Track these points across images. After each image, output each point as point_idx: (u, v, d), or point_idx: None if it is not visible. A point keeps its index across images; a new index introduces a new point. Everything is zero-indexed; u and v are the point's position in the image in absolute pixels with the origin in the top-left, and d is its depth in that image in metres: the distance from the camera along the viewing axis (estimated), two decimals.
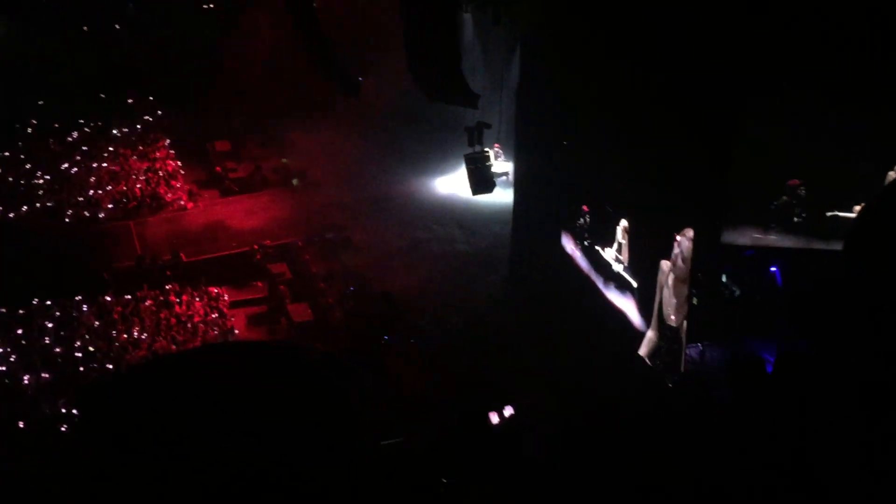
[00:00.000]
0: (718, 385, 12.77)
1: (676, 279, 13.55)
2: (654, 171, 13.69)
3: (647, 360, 14.43)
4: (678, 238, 13.38)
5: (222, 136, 25.62)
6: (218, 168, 24.60)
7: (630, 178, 14.60)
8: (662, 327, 14.15)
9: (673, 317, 13.76)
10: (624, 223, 15.09)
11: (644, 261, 14.60)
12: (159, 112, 25.90)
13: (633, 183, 14.55)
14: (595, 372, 14.87)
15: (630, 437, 12.21)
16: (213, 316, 18.92)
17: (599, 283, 16.18)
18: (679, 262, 13.39)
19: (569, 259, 17.26)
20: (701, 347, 13.78)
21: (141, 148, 24.73)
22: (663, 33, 12.68)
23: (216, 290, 19.78)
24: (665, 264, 13.81)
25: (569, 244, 17.30)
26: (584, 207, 16.46)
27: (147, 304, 19.04)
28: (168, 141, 25.17)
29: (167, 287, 19.60)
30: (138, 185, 23.00)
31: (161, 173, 23.65)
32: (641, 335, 14.79)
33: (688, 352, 13.75)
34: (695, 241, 13.14)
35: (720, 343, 13.78)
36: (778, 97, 12.73)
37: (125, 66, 25.88)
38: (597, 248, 16.14)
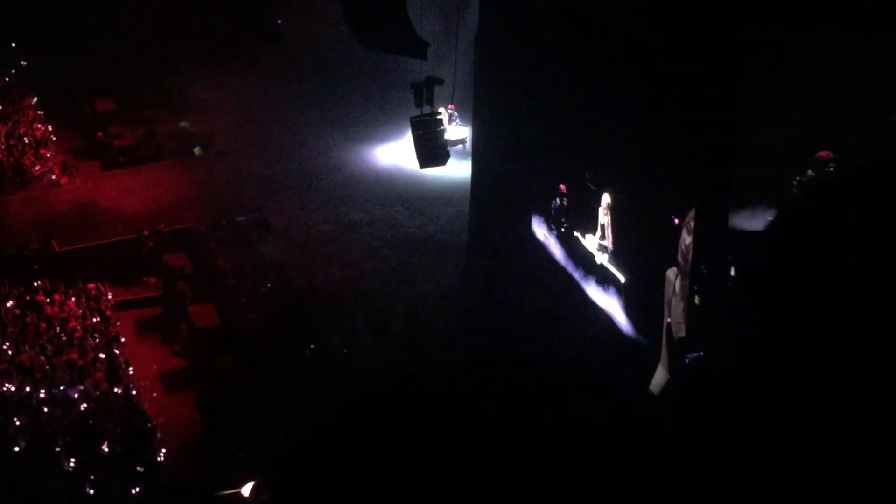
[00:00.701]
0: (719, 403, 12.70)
1: (684, 275, 13.45)
2: (644, 135, 13.50)
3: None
4: (685, 225, 13.30)
5: (105, 91, 25.25)
6: (100, 133, 24.25)
7: (614, 142, 14.38)
8: (673, 353, 14.06)
9: (681, 321, 13.67)
10: (607, 199, 14.93)
11: (633, 246, 14.37)
12: (23, 62, 25.54)
13: (619, 149, 14.35)
14: (571, 387, 14.75)
15: (614, 463, 12.16)
16: (94, 320, 18.48)
17: (579, 278, 15.95)
18: (690, 256, 13.30)
19: (541, 249, 17.02)
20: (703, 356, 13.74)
21: (0, 108, 24.29)
22: None
23: (97, 288, 19.36)
24: (671, 273, 13.67)
25: (541, 230, 17.07)
26: (562, 187, 16.23)
27: (9, 305, 18.58)
28: (35, 98, 24.71)
29: (35, 284, 19.15)
30: (2, 146, 22.66)
31: (27, 140, 23.18)
32: (629, 341, 14.59)
33: (688, 361, 13.69)
34: (697, 224, 12.98)
35: (727, 350, 13.71)
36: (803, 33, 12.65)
37: None
38: (576, 234, 15.87)
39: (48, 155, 23.03)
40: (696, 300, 13.33)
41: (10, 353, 17.37)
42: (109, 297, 19.36)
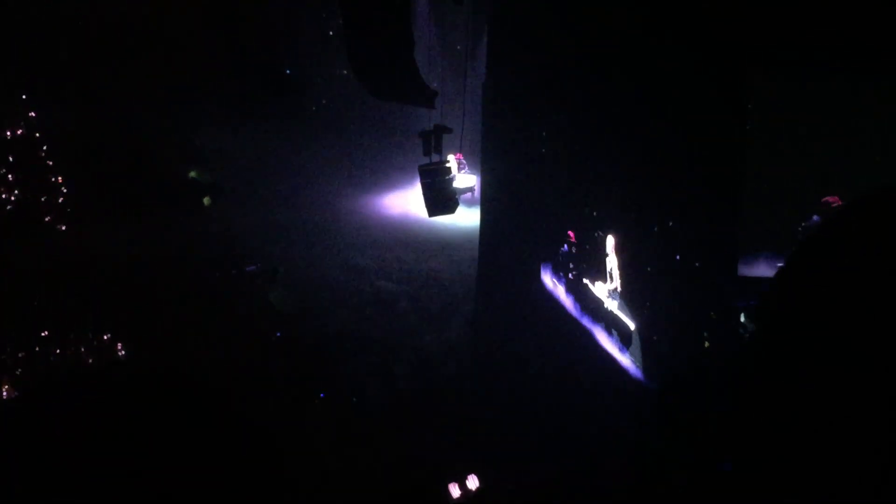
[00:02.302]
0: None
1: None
2: (651, 179, 13.66)
3: None
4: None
5: (115, 140, 25.21)
6: (110, 181, 24.18)
7: (620, 187, 14.53)
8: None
9: None
10: (612, 242, 14.96)
11: (640, 291, 14.39)
12: (32, 114, 25.65)
13: (624, 193, 14.49)
14: (583, 440, 14.78)
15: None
16: (107, 377, 18.45)
17: (588, 325, 15.93)
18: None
19: (549, 296, 17.04)
20: None
21: (11, 158, 24.35)
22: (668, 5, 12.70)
23: (105, 338, 19.45)
24: None
25: (550, 277, 17.11)
26: (570, 234, 16.34)
27: (19, 356, 18.66)
28: (45, 147, 24.79)
29: (42, 334, 19.22)
30: (11, 196, 22.78)
31: (37, 190, 23.30)
32: (640, 388, 14.55)
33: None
34: (704, 269, 13.08)
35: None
36: (806, 77, 12.71)
37: None
38: (585, 281, 15.92)
39: (59, 202, 23.20)
40: (706, 345, 13.36)
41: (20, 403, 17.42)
42: (119, 347, 19.43)
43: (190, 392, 18.02)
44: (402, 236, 22.84)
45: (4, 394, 17.67)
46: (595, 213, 15.46)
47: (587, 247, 15.81)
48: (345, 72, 22.33)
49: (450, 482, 14.13)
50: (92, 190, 24.22)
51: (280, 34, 23.33)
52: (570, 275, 16.44)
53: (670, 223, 13.45)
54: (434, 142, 16.68)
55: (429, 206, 16.76)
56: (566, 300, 16.66)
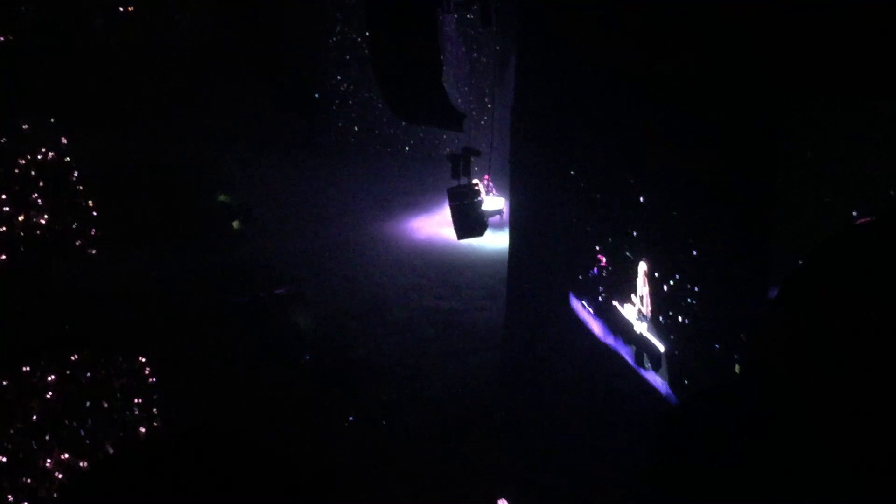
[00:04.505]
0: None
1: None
2: (680, 204, 13.59)
3: None
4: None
5: (145, 165, 25.56)
6: (139, 207, 24.64)
7: (650, 211, 14.49)
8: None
9: None
10: (644, 267, 15.03)
11: (671, 315, 14.28)
12: (64, 140, 25.96)
13: (654, 218, 14.43)
14: (615, 465, 14.76)
15: None
16: (137, 401, 18.77)
17: (618, 347, 15.86)
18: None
19: (578, 319, 17.06)
20: None
21: (42, 183, 24.62)
22: (699, 28, 12.71)
23: (140, 360, 19.58)
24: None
25: (579, 300, 17.16)
26: (601, 258, 16.41)
27: (49, 379, 18.75)
28: (76, 173, 25.09)
29: (73, 357, 19.36)
30: (41, 221, 23.04)
31: (66, 211, 23.71)
32: (675, 415, 14.48)
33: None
34: (734, 295, 13.01)
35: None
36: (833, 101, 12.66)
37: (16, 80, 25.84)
38: (614, 303, 15.94)
39: (89, 226, 23.54)
40: (737, 369, 13.28)
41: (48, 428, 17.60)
42: (147, 372, 19.56)
43: (217, 416, 18.19)
44: (431, 259, 22.88)
45: (34, 417, 17.75)
46: (626, 237, 15.46)
47: (618, 270, 15.82)
48: (368, 95, 22.48)
49: None
50: (122, 214, 24.49)
51: (308, 58, 23.51)
52: (599, 297, 16.46)
53: (702, 247, 13.38)
54: (462, 164, 16.77)
55: (458, 229, 16.88)
56: (595, 322, 16.68)
